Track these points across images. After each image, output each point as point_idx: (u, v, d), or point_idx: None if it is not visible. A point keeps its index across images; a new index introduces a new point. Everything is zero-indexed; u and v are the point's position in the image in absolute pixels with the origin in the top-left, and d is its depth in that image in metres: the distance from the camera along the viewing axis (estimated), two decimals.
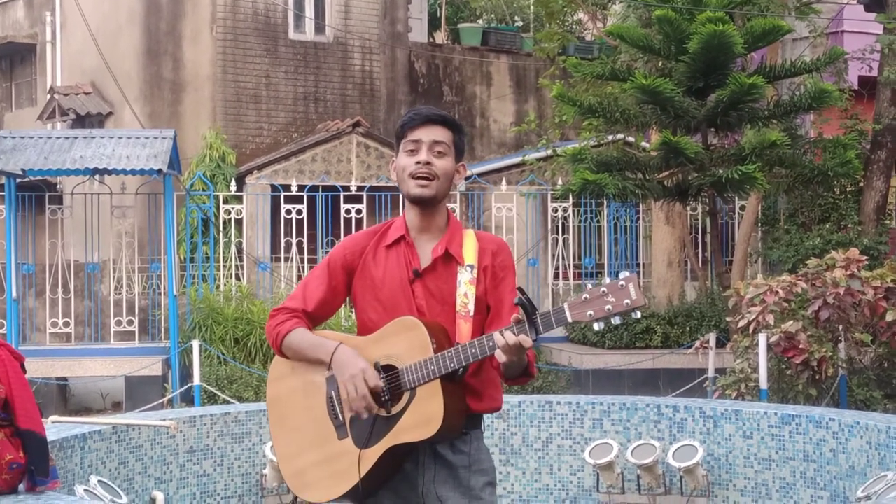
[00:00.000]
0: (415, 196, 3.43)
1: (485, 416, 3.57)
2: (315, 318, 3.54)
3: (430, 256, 3.47)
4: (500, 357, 3.21)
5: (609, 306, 3.16)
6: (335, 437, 3.41)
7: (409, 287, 3.45)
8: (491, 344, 3.23)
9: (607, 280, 3.20)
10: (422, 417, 3.30)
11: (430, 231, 3.49)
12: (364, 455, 3.35)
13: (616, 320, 3.18)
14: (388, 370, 3.35)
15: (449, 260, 3.46)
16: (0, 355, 4.19)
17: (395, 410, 3.33)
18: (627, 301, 3.14)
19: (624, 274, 3.18)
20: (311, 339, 3.45)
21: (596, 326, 3.21)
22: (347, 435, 3.39)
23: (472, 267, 3.45)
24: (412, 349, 3.32)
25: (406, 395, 3.33)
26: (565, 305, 3.21)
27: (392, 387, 3.34)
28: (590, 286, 3.23)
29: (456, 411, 3.35)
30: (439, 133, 3.45)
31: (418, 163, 3.40)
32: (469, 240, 3.50)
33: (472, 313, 3.41)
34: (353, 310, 3.59)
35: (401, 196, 3.59)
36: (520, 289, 3.28)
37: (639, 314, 3.18)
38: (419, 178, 3.41)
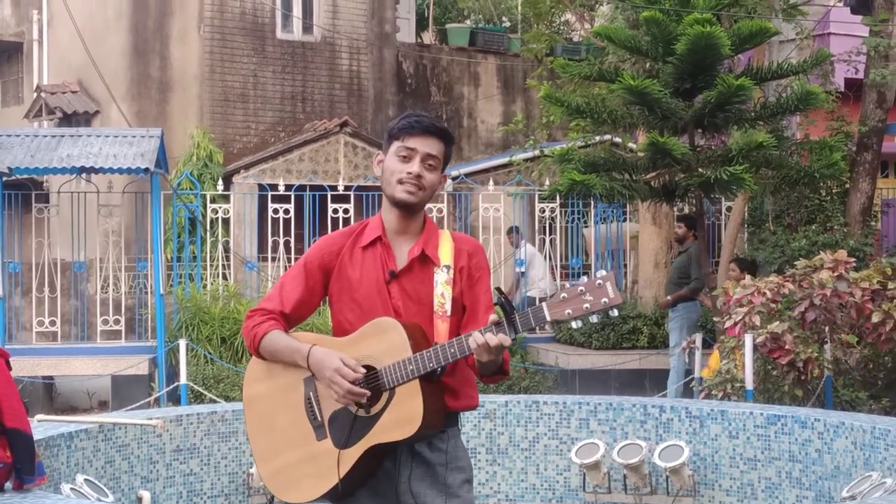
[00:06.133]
0: (400, 200, 3.44)
1: (462, 415, 3.58)
2: (292, 319, 3.53)
3: (407, 257, 3.48)
4: (480, 356, 3.23)
5: (587, 305, 3.18)
6: (314, 438, 3.42)
7: (386, 288, 3.46)
8: (470, 343, 3.24)
9: (585, 279, 3.22)
10: (402, 417, 3.31)
11: (406, 233, 3.51)
12: (343, 455, 3.36)
13: (594, 318, 3.21)
14: (366, 371, 3.36)
15: (425, 261, 3.48)
16: None
17: (374, 410, 3.35)
18: (605, 300, 3.17)
19: (601, 272, 3.20)
20: (287, 342, 3.45)
21: (574, 325, 3.25)
22: (326, 435, 3.40)
23: (448, 267, 3.47)
24: (390, 350, 3.33)
25: (385, 396, 3.34)
26: (544, 304, 3.24)
27: (371, 387, 3.34)
28: (567, 285, 3.25)
29: (435, 410, 3.37)
30: (435, 146, 3.45)
31: (409, 173, 3.41)
32: (445, 241, 3.52)
33: (449, 313, 3.44)
34: (330, 310, 3.58)
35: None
36: (497, 289, 3.30)
37: (616, 312, 3.21)
38: (407, 185, 3.42)
